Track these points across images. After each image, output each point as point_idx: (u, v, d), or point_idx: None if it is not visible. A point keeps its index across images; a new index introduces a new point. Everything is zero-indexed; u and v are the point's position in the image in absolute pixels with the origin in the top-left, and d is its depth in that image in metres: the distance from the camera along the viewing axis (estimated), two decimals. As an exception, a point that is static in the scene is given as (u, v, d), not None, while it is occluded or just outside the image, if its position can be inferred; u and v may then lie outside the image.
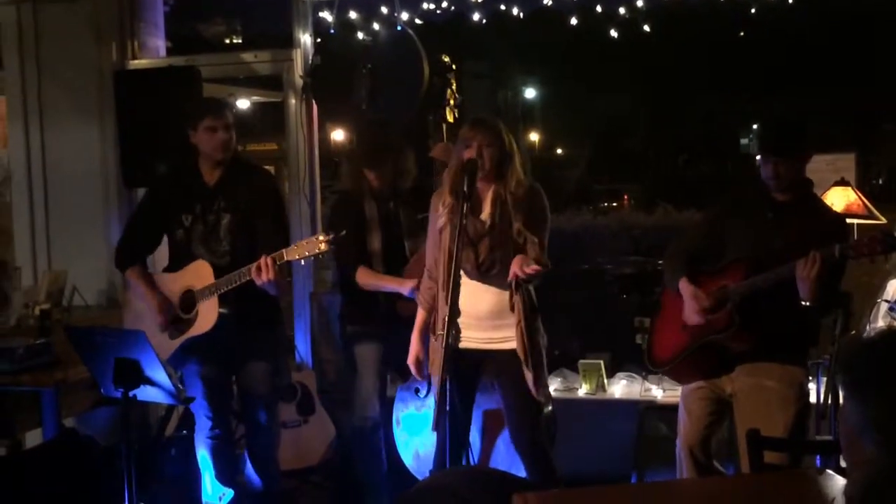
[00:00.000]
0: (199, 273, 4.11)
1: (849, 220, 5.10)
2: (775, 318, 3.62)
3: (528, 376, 3.83)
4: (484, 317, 3.89)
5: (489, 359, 3.95)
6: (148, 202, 4.42)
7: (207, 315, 4.07)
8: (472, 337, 3.92)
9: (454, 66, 4.63)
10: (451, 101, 4.52)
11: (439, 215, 3.89)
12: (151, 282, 4.27)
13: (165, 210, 4.26)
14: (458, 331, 3.89)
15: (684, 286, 3.81)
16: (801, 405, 3.75)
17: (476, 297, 3.89)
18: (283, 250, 3.86)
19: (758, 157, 3.76)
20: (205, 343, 4.13)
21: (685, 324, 3.81)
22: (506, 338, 3.88)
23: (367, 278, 4.46)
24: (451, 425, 3.96)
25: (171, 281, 4.23)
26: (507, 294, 3.86)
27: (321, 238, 3.78)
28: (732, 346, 3.71)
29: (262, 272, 3.85)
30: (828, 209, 3.96)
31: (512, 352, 3.87)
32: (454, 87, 4.56)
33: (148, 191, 4.55)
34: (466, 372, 3.95)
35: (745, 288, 3.61)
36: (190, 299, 4.14)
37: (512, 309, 3.86)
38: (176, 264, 4.25)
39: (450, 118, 4.53)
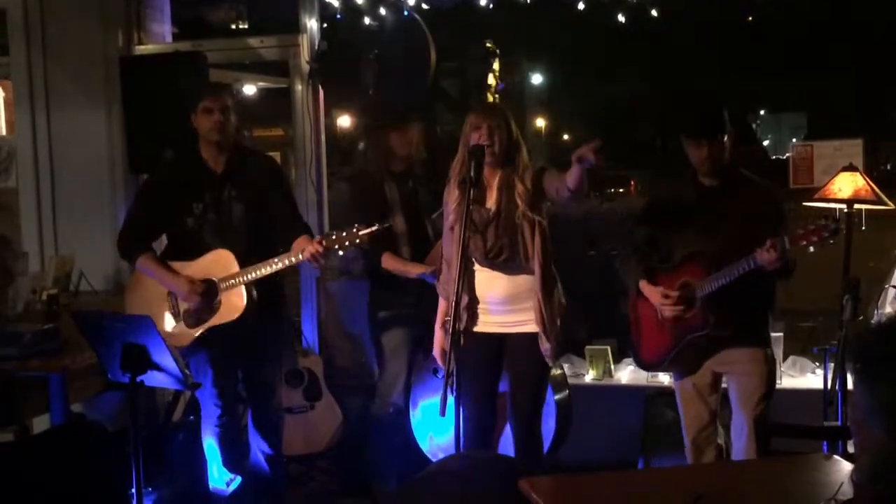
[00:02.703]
0: (221, 262, 4.07)
1: (857, 206, 5.10)
2: (744, 302, 3.69)
3: (547, 347, 3.87)
4: (498, 302, 3.94)
5: (506, 342, 3.97)
6: (151, 190, 4.37)
7: (234, 303, 4.03)
8: (489, 321, 3.97)
9: (498, 52, 4.62)
10: (494, 86, 4.52)
11: (449, 212, 3.92)
12: (170, 267, 4.17)
13: (171, 199, 4.21)
14: (474, 316, 3.95)
15: (645, 287, 3.89)
16: (769, 370, 3.84)
17: (490, 283, 3.94)
18: (325, 239, 3.85)
19: (684, 143, 3.79)
20: (220, 331, 4.11)
21: (663, 323, 3.85)
22: (521, 321, 3.92)
23: (391, 264, 4.46)
24: (470, 410, 3.99)
25: (188, 270, 4.15)
26: (519, 279, 3.90)
27: (362, 230, 3.79)
28: (714, 336, 3.76)
29: (319, 259, 3.86)
30: (758, 184, 3.93)
31: (526, 335, 3.91)
32: (497, 72, 4.56)
33: (148, 179, 4.52)
34: (487, 356, 3.99)
35: (709, 285, 3.67)
36: (212, 288, 4.09)
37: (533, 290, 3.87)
38: (184, 253, 4.19)
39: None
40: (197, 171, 4.20)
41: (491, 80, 4.54)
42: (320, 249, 3.84)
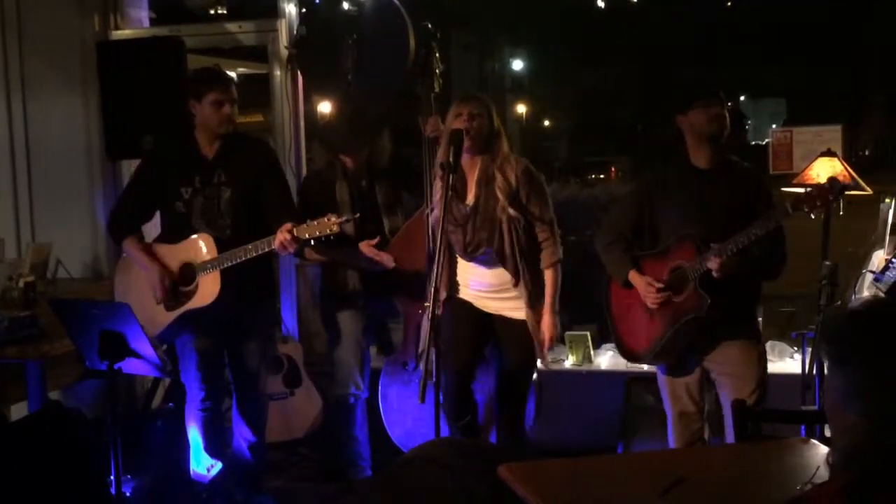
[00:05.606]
0: (201, 246, 4.07)
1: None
2: (733, 287, 3.63)
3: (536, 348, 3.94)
4: (489, 290, 3.98)
5: (495, 325, 3.99)
6: (143, 171, 4.37)
7: (209, 288, 4.04)
8: (483, 304, 4.03)
9: (438, 35, 4.62)
10: (437, 70, 4.52)
11: (436, 208, 3.93)
12: (151, 253, 4.21)
13: (162, 181, 4.22)
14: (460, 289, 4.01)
15: (635, 278, 3.79)
16: (761, 368, 3.79)
17: (478, 273, 3.99)
18: (295, 228, 3.82)
19: (690, 115, 3.71)
20: (201, 315, 4.11)
21: (653, 311, 3.78)
22: (514, 307, 3.94)
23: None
24: (449, 377, 4.00)
25: (170, 252, 4.18)
26: (502, 273, 3.92)
27: (333, 220, 3.76)
28: (706, 317, 3.69)
29: (287, 247, 3.83)
30: (744, 166, 3.92)
31: (516, 321, 3.93)
32: (437, 55, 4.56)
33: (143, 160, 4.50)
34: (471, 319, 4.04)
35: (723, 249, 3.55)
36: (190, 272, 4.10)
37: (515, 285, 3.89)
38: (173, 236, 4.21)
39: (436, 88, 4.53)
40: (189, 155, 4.19)
41: (435, 64, 4.53)
42: (288, 237, 3.82)
